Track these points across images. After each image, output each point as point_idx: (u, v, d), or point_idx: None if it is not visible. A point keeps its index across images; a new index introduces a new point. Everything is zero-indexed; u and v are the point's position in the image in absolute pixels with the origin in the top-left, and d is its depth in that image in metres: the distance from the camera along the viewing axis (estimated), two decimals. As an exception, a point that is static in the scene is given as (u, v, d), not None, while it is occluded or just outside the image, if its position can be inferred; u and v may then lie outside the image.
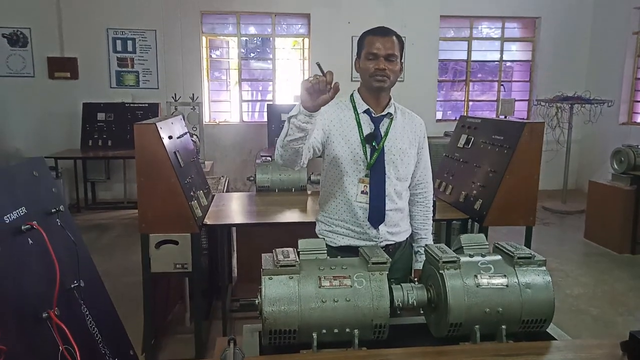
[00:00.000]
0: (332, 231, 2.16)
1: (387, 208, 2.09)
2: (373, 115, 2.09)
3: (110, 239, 5.61)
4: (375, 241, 2.08)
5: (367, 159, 2.06)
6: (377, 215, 2.08)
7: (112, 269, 4.54)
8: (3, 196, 1.06)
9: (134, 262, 4.33)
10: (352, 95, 2.14)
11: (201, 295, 3.08)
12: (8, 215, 1.04)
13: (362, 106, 2.09)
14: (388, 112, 2.10)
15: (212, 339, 3.32)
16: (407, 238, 2.23)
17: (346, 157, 2.07)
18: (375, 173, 2.07)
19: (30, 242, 1.08)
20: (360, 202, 2.07)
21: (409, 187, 2.20)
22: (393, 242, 2.15)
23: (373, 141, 2.06)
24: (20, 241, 1.05)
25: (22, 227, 1.06)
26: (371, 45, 1.97)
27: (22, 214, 1.08)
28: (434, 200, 3.20)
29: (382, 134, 2.08)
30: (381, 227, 2.10)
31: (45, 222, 1.15)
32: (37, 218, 1.12)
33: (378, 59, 1.97)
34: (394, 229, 2.14)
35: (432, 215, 2.26)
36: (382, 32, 2.00)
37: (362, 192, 2.07)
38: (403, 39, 2.06)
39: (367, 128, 2.08)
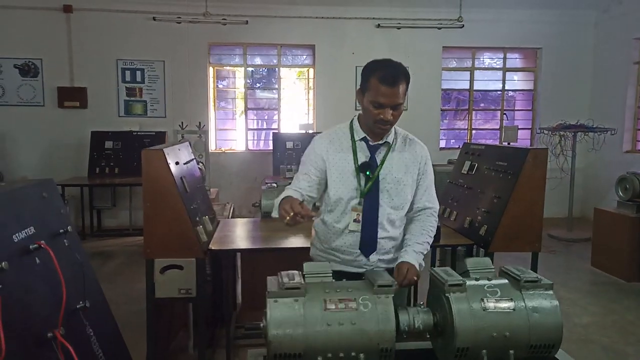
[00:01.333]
0: (324, 256, 2.15)
1: (379, 236, 2.07)
2: (370, 143, 2.08)
3: (115, 267, 5.59)
4: (366, 269, 2.03)
5: (360, 187, 2.05)
6: (369, 244, 2.07)
7: (116, 296, 4.50)
8: (12, 216, 1.07)
9: (138, 290, 4.31)
10: (351, 122, 2.14)
11: (205, 323, 3.05)
12: (17, 235, 1.05)
13: (359, 134, 2.09)
14: (385, 141, 2.08)
15: (216, 367, 3.27)
16: None
17: (340, 185, 2.07)
18: (369, 202, 2.05)
19: (38, 261, 1.09)
20: (352, 230, 2.06)
21: (410, 212, 2.16)
22: (383, 268, 2.07)
23: (367, 170, 2.05)
24: (28, 260, 1.06)
25: (30, 247, 1.07)
26: (378, 93, 1.92)
27: (30, 233, 1.09)
28: (438, 226, 3.21)
29: (378, 163, 2.07)
30: (372, 255, 2.08)
31: (53, 243, 1.16)
32: (45, 238, 1.13)
33: (384, 108, 1.94)
34: (386, 257, 2.11)
35: (430, 235, 2.12)
36: (391, 81, 1.90)
37: (355, 220, 2.05)
38: (407, 70, 2.00)
39: (363, 156, 2.07)
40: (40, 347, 1.01)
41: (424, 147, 2.19)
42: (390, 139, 2.09)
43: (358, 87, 2.06)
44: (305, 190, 2.08)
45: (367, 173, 2.05)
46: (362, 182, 2.05)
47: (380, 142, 2.08)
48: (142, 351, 2.90)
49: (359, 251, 2.07)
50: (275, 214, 2.01)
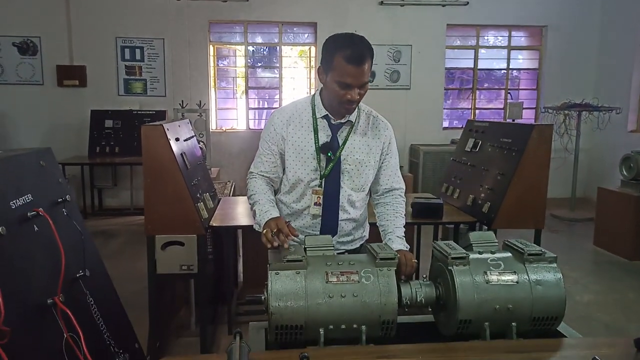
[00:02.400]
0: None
1: (340, 218, 2.01)
2: (332, 122, 1.98)
3: (116, 246, 5.61)
4: None
5: (320, 169, 1.97)
6: (330, 226, 2.01)
7: (118, 274, 4.49)
8: (9, 182, 1.05)
9: (140, 268, 4.31)
10: (313, 97, 2.02)
11: (207, 300, 3.06)
12: (14, 201, 1.03)
13: (321, 111, 1.98)
14: (348, 120, 1.98)
15: (218, 342, 3.29)
16: (361, 244, 2.12)
17: (299, 166, 1.98)
18: (330, 184, 1.98)
19: (36, 229, 1.07)
20: (314, 214, 1.99)
21: (376, 195, 2.10)
22: (343, 251, 2.05)
23: (329, 151, 1.96)
24: (26, 228, 1.05)
25: (28, 214, 1.05)
26: (344, 73, 1.80)
27: (28, 201, 1.08)
28: (440, 204, 3.20)
29: (340, 143, 1.98)
30: (333, 238, 1.99)
31: (52, 211, 1.14)
32: (43, 206, 1.11)
33: (351, 89, 1.83)
34: (346, 239, 2.07)
35: (403, 216, 2.05)
36: (358, 59, 1.78)
37: (316, 203, 1.98)
38: (370, 44, 1.86)
39: (324, 136, 1.97)
40: (41, 313, 1.00)
41: (389, 126, 2.09)
42: (353, 117, 1.99)
43: (320, 65, 1.91)
44: (271, 173, 2.03)
45: (329, 154, 1.96)
46: (323, 164, 1.96)
47: (342, 120, 1.98)
48: (144, 327, 2.92)
49: (318, 233, 2.01)
50: (256, 228, 1.92)
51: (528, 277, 1.54)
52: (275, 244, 1.72)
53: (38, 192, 1.14)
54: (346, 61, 1.78)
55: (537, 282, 1.53)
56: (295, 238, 1.77)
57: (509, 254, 1.63)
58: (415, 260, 1.79)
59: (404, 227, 2.02)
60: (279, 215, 1.89)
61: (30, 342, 0.95)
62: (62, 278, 1.04)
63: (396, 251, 1.79)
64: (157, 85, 7.41)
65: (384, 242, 1.92)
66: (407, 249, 1.92)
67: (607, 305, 4.00)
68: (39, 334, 0.97)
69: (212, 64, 7.70)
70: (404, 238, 1.97)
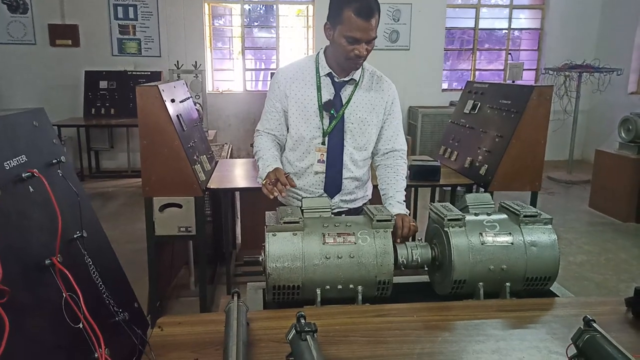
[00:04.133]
0: (285, 197, 2.06)
1: (343, 177, 2.02)
2: (335, 80, 1.96)
3: (115, 207, 5.63)
4: None
5: (323, 126, 1.96)
6: (333, 185, 2.01)
7: (117, 236, 4.56)
8: (3, 143, 1.04)
9: (139, 229, 4.35)
10: (317, 55, 2.00)
11: (206, 260, 3.10)
12: (8, 162, 1.02)
13: (325, 69, 1.96)
14: (352, 78, 1.97)
15: (217, 302, 3.35)
16: (364, 204, 2.12)
17: (302, 123, 1.97)
18: (333, 142, 1.97)
19: (32, 190, 1.06)
20: (317, 171, 1.99)
21: (377, 155, 2.09)
22: (347, 209, 2.07)
23: (332, 109, 1.95)
24: (22, 189, 1.04)
25: (23, 175, 1.04)
26: (353, 27, 1.77)
27: (22, 161, 1.06)
28: (438, 166, 3.19)
29: (343, 101, 1.96)
30: (336, 196, 2.03)
31: (47, 172, 1.13)
32: (37, 167, 1.10)
33: (360, 44, 1.81)
34: (349, 197, 2.07)
35: (403, 179, 2.03)
36: (367, 13, 1.76)
37: (319, 160, 1.98)
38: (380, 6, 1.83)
39: (327, 93, 1.96)
40: (40, 274, 1.00)
41: (392, 86, 2.06)
42: (357, 75, 1.97)
43: (326, 20, 1.88)
44: (276, 130, 2.03)
45: (332, 112, 1.95)
46: (327, 122, 1.96)
47: (346, 78, 1.96)
48: (144, 289, 2.97)
49: (322, 191, 2.03)
50: (259, 182, 1.90)
51: (523, 238, 1.55)
52: (275, 193, 1.76)
53: (32, 153, 1.13)
54: (355, 14, 1.75)
55: (532, 243, 1.55)
56: (292, 188, 1.82)
57: (505, 216, 1.64)
58: (415, 224, 1.77)
59: (404, 189, 2.02)
60: (279, 167, 1.89)
61: (30, 301, 0.96)
62: (59, 239, 1.04)
63: (395, 215, 1.78)
64: (151, 45, 7.27)
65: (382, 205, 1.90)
66: (407, 214, 1.91)
67: (599, 265, 4.07)
68: (38, 294, 0.98)
69: (207, 23, 7.53)
70: (405, 203, 1.96)
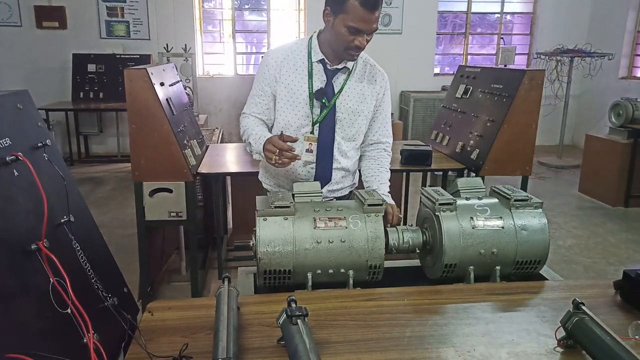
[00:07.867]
0: (271, 181, 2.08)
1: (332, 167, 1.98)
2: (328, 67, 1.89)
3: (105, 192, 5.59)
4: None
5: (312, 115, 1.91)
6: (323, 175, 1.97)
7: (108, 221, 4.54)
8: (-15, 126, 1.01)
9: (129, 215, 4.33)
10: (310, 39, 1.93)
11: (196, 245, 3.09)
12: (-9, 146, 1.00)
13: (318, 55, 1.89)
14: (345, 67, 1.91)
15: (208, 287, 3.35)
16: (350, 192, 2.11)
17: (290, 111, 1.92)
18: (324, 132, 1.92)
19: (16, 173, 1.04)
20: (306, 160, 1.94)
21: (362, 145, 2.06)
22: (331, 198, 2.04)
23: (323, 98, 1.88)
24: (6, 172, 1.02)
25: (7, 158, 1.02)
26: (357, 18, 1.71)
27: (6, 144, 1.04)
28: (429, 151, 3.19)
29: (335, 90, 1.91)
30: (325, 186, 1.98)
31: (32, 156, 1.11)
32: (22, 151, 1.08)
33: (361, 35, 1.76)
34: (335, 187, 2.04)
35: (387, 170, 2.04)
36: (372, 4, 1.70)
37: (308, 150, 1.93)
38: None
39: (318, 81, 1.89)
40: (25, 258, 0.99)
41: (385, 76, 2.02)
42: (350, 64, 1.91)
43: (325, 5, 1.80)
44: (263, 115, 1.97)
45: (323, 101, 1.89)
46: (317, 111, 1.91)
47: (338, 66, 1.90)
48: (135, 274, 2.96)
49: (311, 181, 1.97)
50: (257, 157, 1.90)
51: (514, 222, 1.56)
52: (288, 163, 1.74)
53: (16, 136, 1.10)
54: (361, 5, 1.69)
55: (522, 227, 1.55)
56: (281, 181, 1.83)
57: (496, 200, 1.64)
58: (400, 216, 1.79)
59: (389, 180, 2.01)
60: (270, 135, 1.84)
61: (16, 287, 0.95)
62: (45, 223, 1.02)
63: None
64: (140, 28, 7.15)
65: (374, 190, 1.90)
66: (393, 205, 1.90)
67: (588, 249, 4.12)
68: (24, 279, 0.97)
69: (197, 4, 7.41)
70: (389, 195, 1.96)
